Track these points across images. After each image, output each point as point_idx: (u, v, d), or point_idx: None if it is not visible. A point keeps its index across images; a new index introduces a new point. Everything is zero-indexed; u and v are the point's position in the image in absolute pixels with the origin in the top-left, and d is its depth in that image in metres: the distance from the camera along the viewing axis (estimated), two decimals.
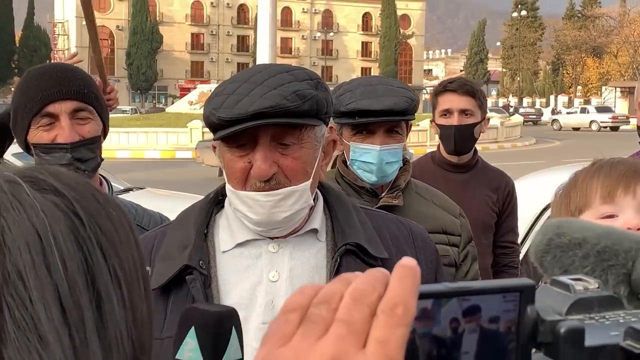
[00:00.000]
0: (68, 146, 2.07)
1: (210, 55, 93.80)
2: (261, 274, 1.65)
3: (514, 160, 22.47)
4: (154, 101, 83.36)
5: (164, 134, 30.42)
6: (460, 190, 3.13)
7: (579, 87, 72.57)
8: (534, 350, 0.63)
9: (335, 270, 1.64)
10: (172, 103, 61.26)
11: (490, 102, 79.47)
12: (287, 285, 1.64)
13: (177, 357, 1.16)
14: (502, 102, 73.62)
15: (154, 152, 28.24)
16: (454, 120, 3.20)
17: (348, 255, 1.66)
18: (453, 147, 3.24)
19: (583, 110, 52.07)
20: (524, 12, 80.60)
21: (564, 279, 0.70)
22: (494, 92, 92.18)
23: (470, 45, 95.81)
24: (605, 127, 48.39)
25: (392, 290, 0.57)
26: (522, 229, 3.45)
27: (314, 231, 1.71)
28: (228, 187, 1.65)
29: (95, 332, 0.67)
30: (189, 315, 1.17)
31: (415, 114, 2.56)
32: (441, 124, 3.24)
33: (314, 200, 1.69)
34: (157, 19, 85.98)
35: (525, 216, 3.47)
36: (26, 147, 2.15)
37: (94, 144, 2.13)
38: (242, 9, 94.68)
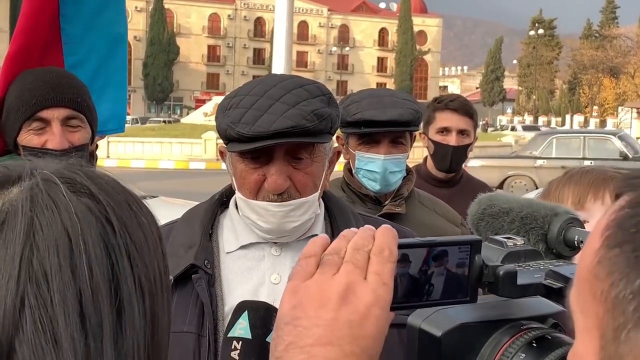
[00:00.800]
0: (58, 153, 2.09)
1: (227, 67, 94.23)
2: (263, 276, 1.70)
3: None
4: (169, 112, 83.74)
5: (178, 144, 30.58)
6: (447, 203, 3.15)
7: (595, 107, 72.33)
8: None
9: None
10: (187, 114, 61.55)
11: (505, 119, 79.50)
12: None
13: (229, 335, 1.53)
14: (517, 120, 73.31)
15: (168, 162, 28.35)
16: (452, 139, 3.23)
17: None
18: (448, 165, 3.28)
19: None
20: (541, 31, 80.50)
21: (498, 237, 0.91)
22: (509, 110, 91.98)
23: (487, 63, 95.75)
24: None
25: (379, 240, 0.80)
26: None
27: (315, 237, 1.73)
28: (239, 196, 1.70)
29: (113, 341, 0.68)
30: (242, 304, 1.54)
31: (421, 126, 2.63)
32: (437, 141, 3.26)
33: None
34: (175, 30, 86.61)
35: None
36: (15, 146, 2.17)
37: (82, 151, 2.16)
38: (259, 22, 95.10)
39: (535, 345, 0.80)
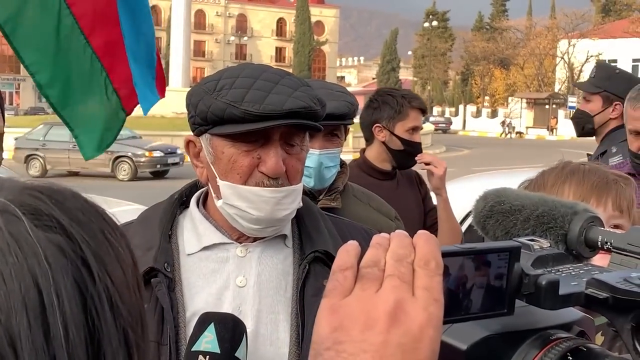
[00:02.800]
0: None
1: None
2: (228, 279, 1.60)
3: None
4: None
5: None
6: (394, 195, 3.16)
7: (487, 98, 74.50)
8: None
9: (304, 277, 1.60)
10: None
11: None
12: (254, 291, 1.59)
13: (193, 349, 1.40)
14: None
15: None
16: (418, 138, 3.27)
17: (316, 263, 1.63)
18: (412, 163, 3.29)
19: None
20: (435, 23, 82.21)
21: (523, 240, 0.83)
22: None
23: (383, 54, 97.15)
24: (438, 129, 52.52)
25: (423, 250, 0.70)
26: None
27: (282, 237, 1.67)
28: (224, 183, 1.58)
29: None
30: (207, 316, 1.42)
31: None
32: (407, 139, 3.24)
33: None
34: None
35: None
36: None
37: None
38: (154, 10, 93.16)
39: (570, 358, 0.76)
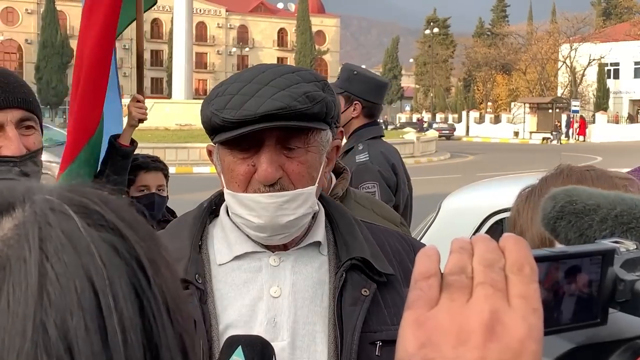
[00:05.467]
0: (17, 159, 1.86)
1: (123, 69, 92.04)
2: (261, 289, 1.53)
3: (430, 174, 22.76)
4: (65, 116, 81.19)
5: None
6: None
7: (490, 103, 74.42)
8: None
9: (341, 286, 1.53)
10: None
11: (404, 117, 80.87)
12: (289, 302, 1.52)
13: None
14: (415, 117, 74.88)
15: None
16: None
17: (353, 271, 1.55)
18: None
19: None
20: (436, 30, 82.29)
21: (607, 242, 0.75)
22: (407, 108, 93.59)
23: (384, 62, 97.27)
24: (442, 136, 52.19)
25: (514, 254, 0.63)
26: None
27: (316, 244, 1.60)
28: (227, 192, 1.53)
29: None
30: (234, 339, 1.37)
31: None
32: None
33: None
34: (68, 32, 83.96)
35: (466, 225, 3.62)
36: None
37: (37, 156, 1.94)
38: (155, 23, 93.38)
39: None
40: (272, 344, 1.40)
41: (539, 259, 0.65)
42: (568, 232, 0.88)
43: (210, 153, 1.61)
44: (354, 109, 3.82)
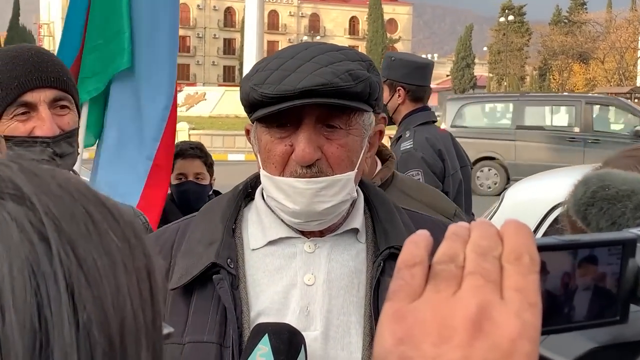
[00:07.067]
0: (49, 140, 1.85)
1: (197, 57, 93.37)
2: (295, 276, 1.48)
3: None
4: None
5: None
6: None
7: (565, 93, 72.77)
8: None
9: (378, 275, 1.46)
10: None
11: None
12: (323, 290, 1.46)
13: None
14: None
15: None
16: None
17: (391, 260, 1.46)
18: None
19: None
20: (511, 17, 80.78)
21: (636, 231, 0.67)
22: None
23: (457, 50, 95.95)
24: None
25: (512, 242, 0.57)
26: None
27: (354, 231, 1.53)
28: (263, 174, 1.47)
29: None
30: (260, 327, 1.35)
31: None
32: None
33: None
34: None
35: (530, 216, 3.56)
36: None
37: (72, 137, 1.92)
38: (228, 12, 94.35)
39: None
40: (304, 333, 1.36)
41: (546, 248, 0.59)
42: (599, 220, 0.82)
43: (248, 132, 1.57)
44: (398, 95, 3.77)
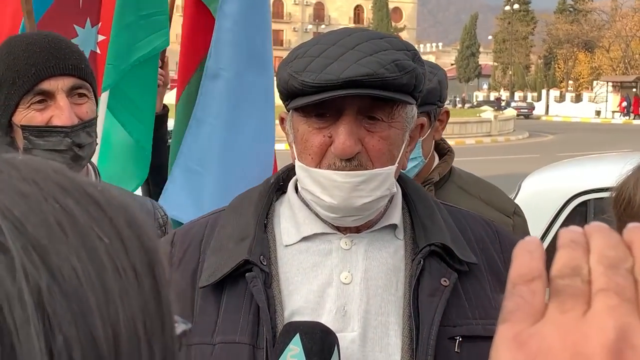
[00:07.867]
0: (68, 129, 1.78)
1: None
2: (331, 274, 1.41)
3: (508, 154, 22.32)
4: None
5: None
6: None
7: (571, 82, 72.46)
8: None
9: (418, 274, 1.39)
10: None
11: (482, 95, 79.58)
12: (361, 289, 1.39)
13: None
14: (493, 96, 73.67)
15: None
16: None
17: (431, 257, 1.41)
18: None
19: None
20: (516, 6, 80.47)
21: None
22: (485, 86, 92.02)
23: (462, 39, 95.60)
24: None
25: None
26: (544, 220, 3.43)
27: (392, 227, 1.46)
28: (299, 165, 1.40)
29: None
30: (291, 326, 1.30)
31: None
32: None
33: None
34: None
35: (547, 207, 3.46)
36: (8, 127, 1.83)
37: (91, 126, 1.85)
38: None
39: None
40: (341, 334, 1.31)
41: None
42: None
43: (283, 121, 1.49)
44: None
